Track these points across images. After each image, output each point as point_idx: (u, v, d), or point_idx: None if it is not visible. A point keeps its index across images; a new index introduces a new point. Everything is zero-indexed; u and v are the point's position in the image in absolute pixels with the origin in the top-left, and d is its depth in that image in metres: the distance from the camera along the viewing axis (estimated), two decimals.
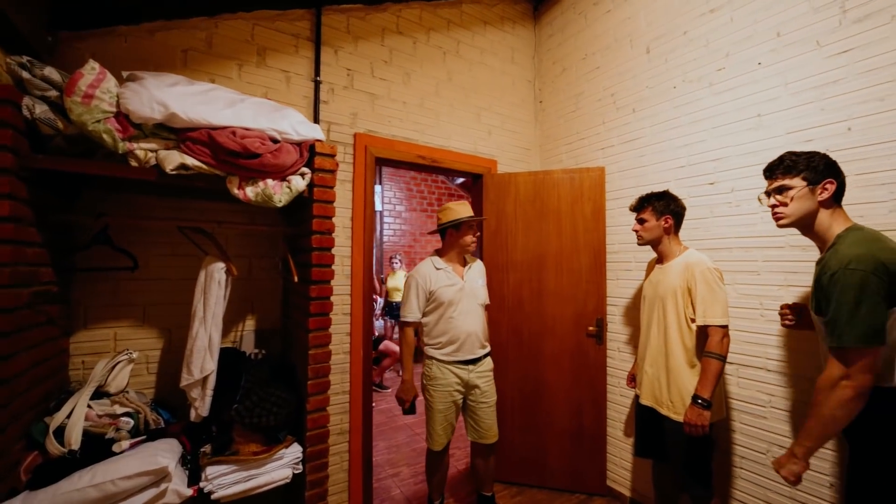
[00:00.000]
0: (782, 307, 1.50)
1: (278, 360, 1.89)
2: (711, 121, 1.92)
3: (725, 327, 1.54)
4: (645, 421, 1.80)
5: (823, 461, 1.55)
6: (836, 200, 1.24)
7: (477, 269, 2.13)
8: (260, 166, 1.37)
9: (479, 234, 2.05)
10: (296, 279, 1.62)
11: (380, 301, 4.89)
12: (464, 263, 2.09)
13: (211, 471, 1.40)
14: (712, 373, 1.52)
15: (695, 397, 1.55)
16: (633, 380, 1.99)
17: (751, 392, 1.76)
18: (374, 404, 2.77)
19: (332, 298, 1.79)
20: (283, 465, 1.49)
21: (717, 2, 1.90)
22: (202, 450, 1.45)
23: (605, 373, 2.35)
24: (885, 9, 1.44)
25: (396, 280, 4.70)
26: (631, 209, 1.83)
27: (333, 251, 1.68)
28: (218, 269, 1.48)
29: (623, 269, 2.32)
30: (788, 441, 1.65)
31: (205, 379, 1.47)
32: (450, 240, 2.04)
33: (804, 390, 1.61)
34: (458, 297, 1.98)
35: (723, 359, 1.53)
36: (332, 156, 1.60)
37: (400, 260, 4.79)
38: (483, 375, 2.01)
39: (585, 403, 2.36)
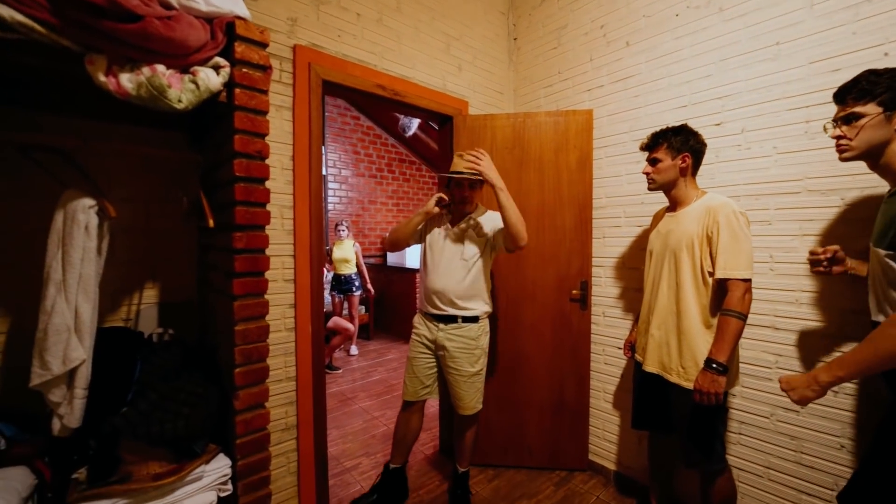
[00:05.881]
0: (816, 251, 1.28)
1: (195, 342, 1.41)
2: (720, 52, 1.69)
3: (749, 281, 1.33)
4: (647, 390, 1.60)
5: (833, 422, 1.44)
6: None
7: (481, 222, 1.84)
8: (142, 37, 0.87)
9: (467, 193, 1.79)
10: (211, 223, 1.14)
11: (327, 274, 4.35)
12: (461, 217, 1.85)
13: None
14: (731, 333, 1.32)
15: (708, 361, 1.34)
16: (630, 348, 1.77)
17: (755, 353, 1.61)
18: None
19: (271, 259, 1.35)
20: (203, 489, 1.06)
21: None
22: (74, 477, 0.98)
23: (590, 340, 2.14)
24: None
25: (344, 250, 4.16)
26: (642, 148, 1.56)
27: (271, 199, 1.22)
28: (83, 208, 0.97)
29: (611, 226, 2.08)
30: (791, 403, 1.52)
31: (71, 373, 0.98)
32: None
33: (815, 348, 1.47)
34: (439, 246, 1.82)
35: (744, 318, 1.32)
36: (264, 45, 1.12)
37: (347, 227, 4.24)
38: (453, 338, 1.76)
39: (567, 375, 2.14)
